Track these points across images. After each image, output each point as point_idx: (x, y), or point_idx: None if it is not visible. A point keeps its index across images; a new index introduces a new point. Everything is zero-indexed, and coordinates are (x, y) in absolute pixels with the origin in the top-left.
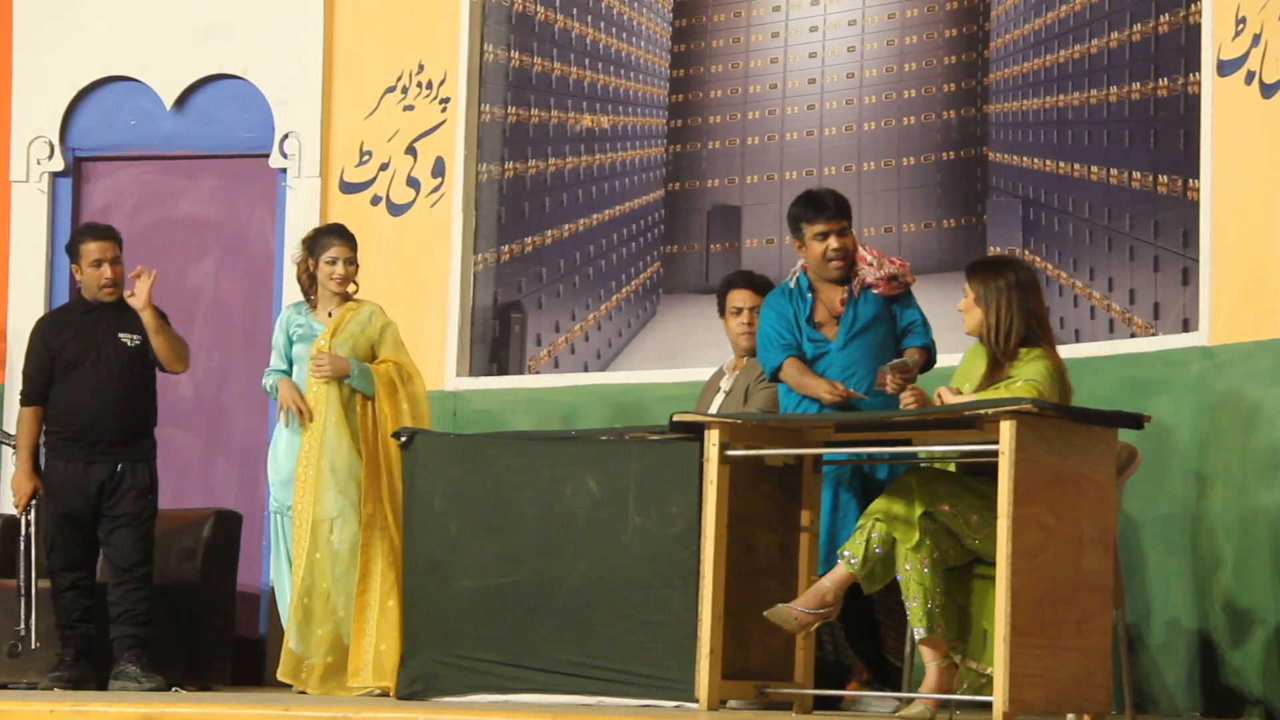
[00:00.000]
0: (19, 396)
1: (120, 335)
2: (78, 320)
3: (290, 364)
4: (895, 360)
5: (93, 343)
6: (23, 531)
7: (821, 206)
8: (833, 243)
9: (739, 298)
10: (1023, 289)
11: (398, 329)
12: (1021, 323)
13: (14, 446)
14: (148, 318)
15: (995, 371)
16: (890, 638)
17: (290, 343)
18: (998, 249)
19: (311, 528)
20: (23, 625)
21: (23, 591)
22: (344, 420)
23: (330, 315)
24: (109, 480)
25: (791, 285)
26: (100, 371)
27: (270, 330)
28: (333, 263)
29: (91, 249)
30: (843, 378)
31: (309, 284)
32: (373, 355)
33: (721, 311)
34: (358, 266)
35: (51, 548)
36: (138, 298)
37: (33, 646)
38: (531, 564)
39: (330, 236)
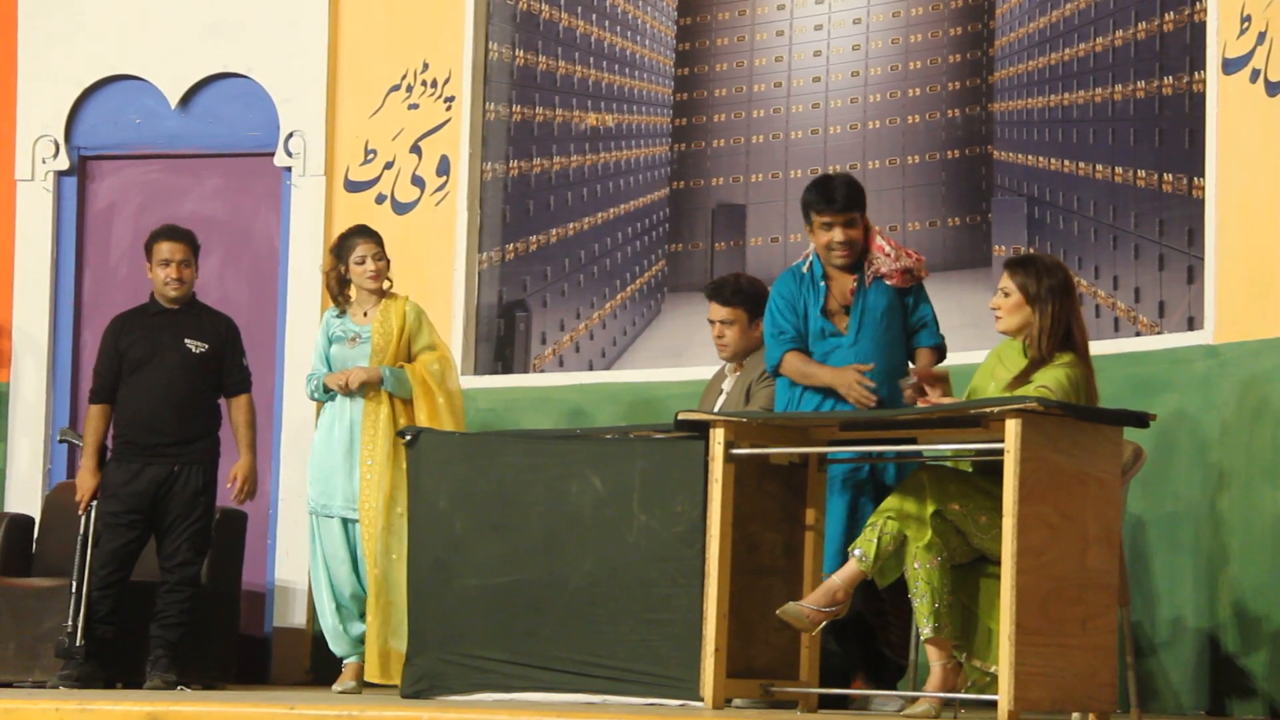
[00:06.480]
0: (89, 394)
1: (186, 340)
2: (146, 322)
3: (330, 367)
4: (914, 380)
5: (157, 345)
6: (81, 529)
7: (830, 199)
8: (837, 235)
9: (709, 311)
10: (1069, 290)
11: (427, 315)
12: (1064, 325)
13: (80, 444)
14: (250, 458)
15: (1031, 372)
16: (893, 632)
17: (329, 343)
18: (1003, 248)
19: (392, 524)
20: (70, 623)
21: (74, 590)
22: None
23: (366, 315)
24: (166, 481)
25: (804, 270)
26: (160, 375)
27: (275, 329)
28: (361, 262)
29: (163, 248)
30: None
31: (339, 289)
32: (409, 351)
33: None
34: (389, 262)
35: (96, 543)
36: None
37: (77, 644)
38: (536, 563)
39: (355, 237)
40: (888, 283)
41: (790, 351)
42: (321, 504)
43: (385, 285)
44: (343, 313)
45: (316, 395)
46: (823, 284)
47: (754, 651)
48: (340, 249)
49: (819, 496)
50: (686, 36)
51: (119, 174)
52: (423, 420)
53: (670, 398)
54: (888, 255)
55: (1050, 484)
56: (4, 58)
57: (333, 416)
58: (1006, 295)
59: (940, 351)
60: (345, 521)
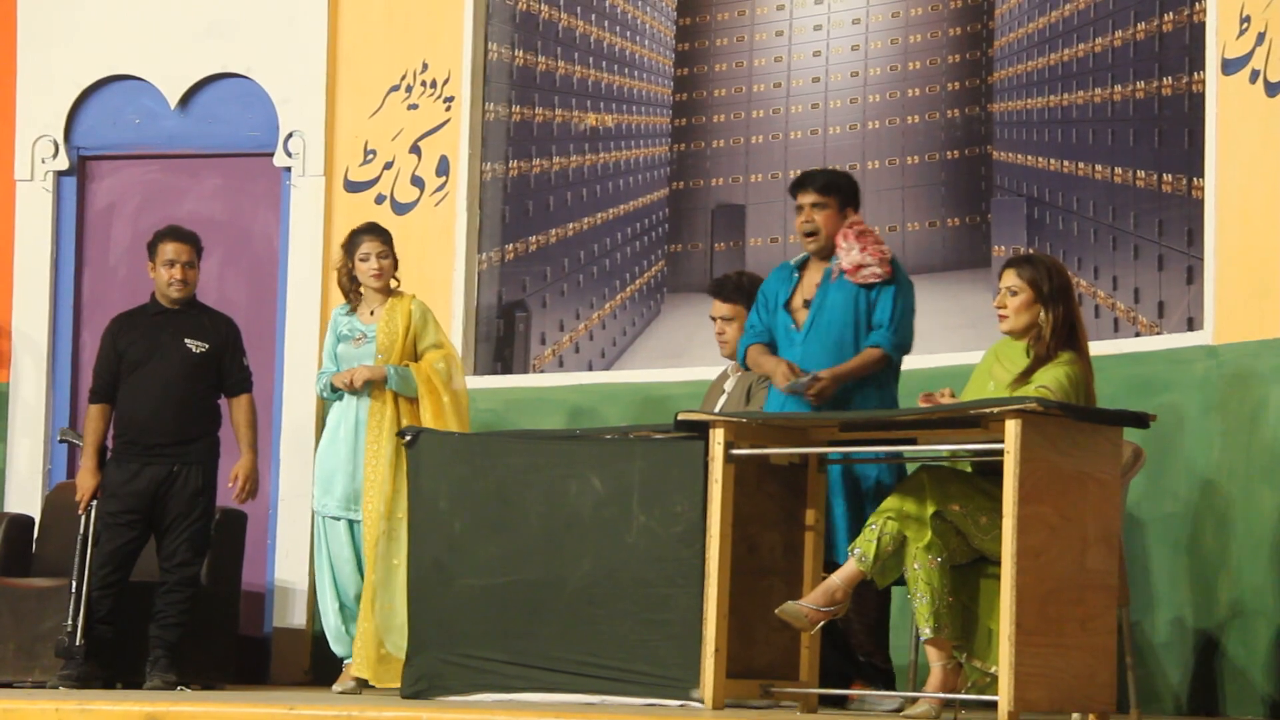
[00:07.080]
0: (88, 394)
1: (186, 341)
2: (146, 322)
3: (338, 366)
4: (806, 378)
5: (156, 346)
6: (81, 529)
7: (804, 179)
8: (803, 214)
9: (712, 308)
10: (1072, 289)
11: (433, 314)
12: (1069, 324)
13: (80, 444)
14: (251, 458)
15: (1033, 371)
16: (856, 635)
17: (337, 341)
18: (1002, 248)
19: (392, 529)
20: (70, 623)
21: (74, 590)
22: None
23: (373, 314)
24: (165, 481)
25: (793, 263)
26: (160, 375)
27: (275, 329)
28: (366, 259)
29: (168, 249)
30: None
31: (349, 286)
32: (415, 350)
33: None
34: (395, 260)
35: (96, 543)
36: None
37: (77, 644)
38: (536, 563)
39: (362, 235)
40: (847, 278)
41: (752, 345)
42: (326, 504)
43: (392, 284)
44: (351, 311)
45: (325, 394)
46: (795, 277)
47: (754, 652)
48: (349, 246)
49: (819, 496)
50: (686, 37)
51: (118, 174)
52: (428, 420)
53: (670, 398)
54: (844, 249)
55: (1050, 484)
56: (4, 58)
57: (339, 416)
58: (1014, 294)
59: (883, 354)
60: (350, 522)
